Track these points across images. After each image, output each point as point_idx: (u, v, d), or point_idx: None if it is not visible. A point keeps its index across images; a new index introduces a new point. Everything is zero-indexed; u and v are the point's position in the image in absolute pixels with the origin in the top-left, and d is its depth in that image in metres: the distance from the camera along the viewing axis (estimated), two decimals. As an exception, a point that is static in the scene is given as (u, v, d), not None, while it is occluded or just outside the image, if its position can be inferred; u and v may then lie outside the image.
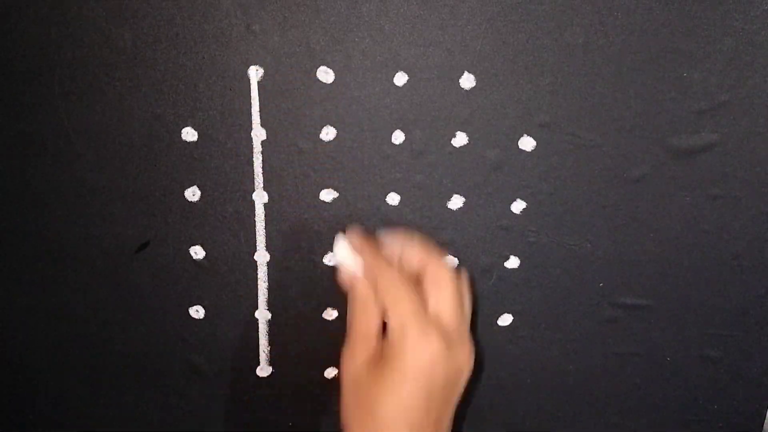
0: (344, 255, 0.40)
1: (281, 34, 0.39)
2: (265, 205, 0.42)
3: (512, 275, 0.43)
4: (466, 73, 0.40)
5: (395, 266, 0.38)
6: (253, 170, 0.41)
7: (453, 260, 0.42)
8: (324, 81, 0.40)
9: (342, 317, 0.44)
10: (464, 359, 0.36)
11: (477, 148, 0.41)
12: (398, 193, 0.42)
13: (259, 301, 0.44)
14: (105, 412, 0.46)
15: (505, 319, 0.44)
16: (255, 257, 0.43)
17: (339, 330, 0.44)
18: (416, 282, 0.38)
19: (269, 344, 0.44)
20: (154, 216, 0.42)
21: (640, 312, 0.44)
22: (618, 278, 0.43)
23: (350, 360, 0.37)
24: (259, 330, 0.44)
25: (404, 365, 0.34)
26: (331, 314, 0.44)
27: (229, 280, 0.43)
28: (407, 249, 0.39)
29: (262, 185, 0.42)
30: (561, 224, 0.42)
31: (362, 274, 0.38)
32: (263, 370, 0.45)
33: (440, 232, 0.42)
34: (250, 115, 0.40)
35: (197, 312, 0.44)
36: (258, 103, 0.40)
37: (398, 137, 0.41)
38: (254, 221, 0.42)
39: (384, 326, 0.37)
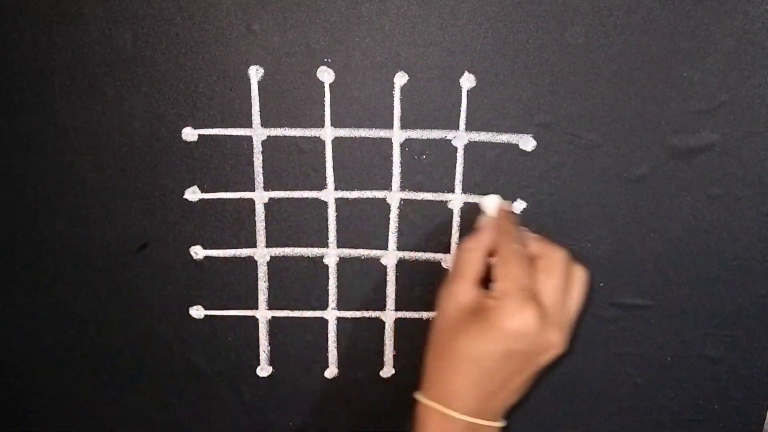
0: (490, 207, 0.41)
1: (281, 34, 0.39)
2: (265, 205, 0.42)
3: (512, 275, 0.43)
4: (466, 73, 0.40)
5: (520, 243, 0.39)
6: (253, 170, 0.41)
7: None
8: (324, 81, 0.40)
9: (343, 319, 0.44)
10: (554, 342, 0.37)
11: (477, 147, 0.41)
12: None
13: (259, 301, 0.44)
14: (105, 412, 0.46)
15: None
16: (255, 257, 0.43)
17: (339, 330, 0.44)
18: (530, 263, 0.39)
19: (269, 344, 0.44)
20: (154, 216, 0.42)
21: (640, 312, 0.44)
22: (618, 278, 0.43)
23: (449, 298, 0.38)
24: (259, 330, 0.44)
25: (497, 321, 0.36)
26: (331, 314, 0.44)
27: (229, 280, 0.43)
28: (528, 234, 0.40)
29: (262, 185, 0.42)
30: (561, 224, 0.42)
31: (490, 230, 0.39)
32: (263, 370, 0.45)
33: (440, 232, 0.42)
34: (250, 115, 0.40)
35: (197, 312, 0.44)
36: (258, 103, 0.40)
37: (398, 136, 0.41)
38: (254, 221, 0.42)
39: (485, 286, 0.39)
